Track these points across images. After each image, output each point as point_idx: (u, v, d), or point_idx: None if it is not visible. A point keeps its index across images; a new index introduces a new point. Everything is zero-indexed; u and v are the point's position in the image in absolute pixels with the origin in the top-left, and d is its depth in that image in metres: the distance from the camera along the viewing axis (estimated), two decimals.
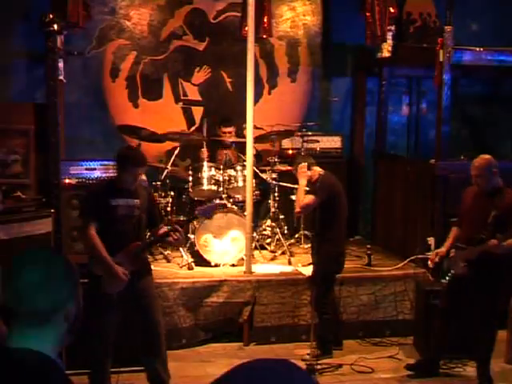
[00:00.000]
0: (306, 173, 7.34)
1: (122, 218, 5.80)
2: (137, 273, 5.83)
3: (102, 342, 5.85)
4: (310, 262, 7.67)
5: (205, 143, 9.17)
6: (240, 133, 9.46)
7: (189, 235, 8.49)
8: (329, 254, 7.27)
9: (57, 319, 2.13)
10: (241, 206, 8.71)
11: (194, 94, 10.34)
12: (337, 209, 7.27)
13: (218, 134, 9.40)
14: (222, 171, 8.75)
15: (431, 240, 8.18)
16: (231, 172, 8.80)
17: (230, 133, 9.37)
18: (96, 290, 5.71)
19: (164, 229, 6.04)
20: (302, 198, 7.25)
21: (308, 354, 7.12)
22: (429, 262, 6.90)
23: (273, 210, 9.21)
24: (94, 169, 8.76)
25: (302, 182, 7.35)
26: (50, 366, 2.04)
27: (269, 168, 9.20)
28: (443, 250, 6.79)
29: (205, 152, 9.06)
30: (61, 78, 8.54)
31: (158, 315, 5.98)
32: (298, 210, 7.42)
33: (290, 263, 8.43)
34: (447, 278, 6.70)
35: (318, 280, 7.27)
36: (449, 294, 6.79)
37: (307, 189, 7.29)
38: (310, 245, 8.97)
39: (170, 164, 8.84)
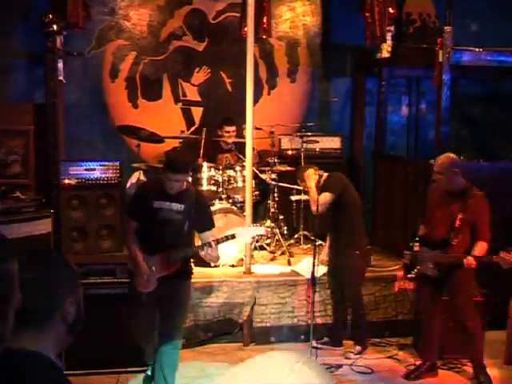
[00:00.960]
0: (314, 178, 7.43)
1: (162, 220, 5.83)
2: (171, 277, 5.85)
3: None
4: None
5: (201, 152, 9.13)
6: (240, 133, 9.45)
7: None
8: (357, 251, 7.40)
9: (55, 320, 2.12)
10: (240, 206, 8.70)
11: (193, 94, 10.34)
12: (352, 202, 7.42)
13: (220, 135, 9.36)
14: (221, 172, 8.75)
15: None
16: (231, 172, 8.80)
17: (232, 132, 9.32)
18: (130, 287, 6.01)
19: (199, 242, 6.05)
20: (316, 196, 7.27)
21: (351, 352, 7.48)
22: None
23: (272, 210, 9.20)
24: (94, 169, 8.77)
25: (311, 183, 7.40)
26: (49, 367, 2.04)
27: (268, 168, 9.19)
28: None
29: (201, 160, 8.98)
30: (60, 78, 8.55)
31: (171, 322, 5.91)
32: (313, 208, 7.31)
33: (289, 264, 8.43)
34: (413, 273, 6.81)
35: (353, 279, 7.45)
36: (421, 293, 6.92)
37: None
38: (309, 245, 9.00)
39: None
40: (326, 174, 7.51)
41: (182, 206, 5.84)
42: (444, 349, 7.08)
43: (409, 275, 6.89)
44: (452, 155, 6.65)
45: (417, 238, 6.81)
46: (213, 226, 6.11)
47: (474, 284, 6.94)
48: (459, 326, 6.78)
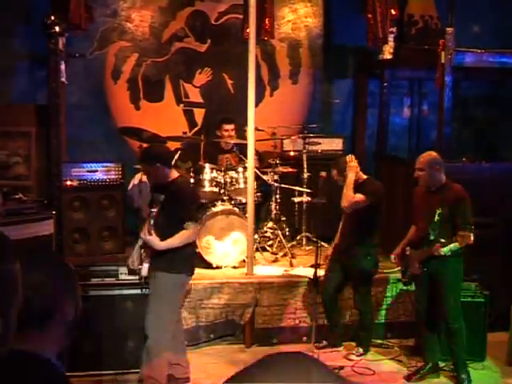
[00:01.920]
0: (356, 165, 7.36)
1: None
2: (152, 266, 6.08)
3: None
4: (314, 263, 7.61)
5: (202, 153, 9.15)
6: (241, 134, 9.45)
7: None
8: (371, 255, 7.43)
9: (55, 321, 2.12)
10: (242, 207, 8.70)
11: (195, 95, 10.34)
12: (379, 214, 7.52)
13: (219, 135, 9.36)
14: (223, 173, 8.75)
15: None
16: (233, 174, 8.79)
17: (232, 130, 9.29)
18: None
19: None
20: (351, 193, 7.23)
21: (353, 354, 7.50)
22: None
23: (274, 211, 9.21)
24: (96, 170, 8.78)
25: (351, 176, 7.32)
26: (49, 369, 2.04)
27: (270, 170, 9.19)
28: (398, 250, 7.00)
29: (202, 162, 8.99)
30: (62, 79, 8.56)
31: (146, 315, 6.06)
32: (346, 204, 7.26)
33: (291, 265, 8.43)
34: (406, 277, 6.88)
35: (363, 281, 7.47)
36: (416, 296, 6.99)
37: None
38: (311, 247, 9.00)
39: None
40: (364, 176, 7.47)
41: (163, 196, 6.04)
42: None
43: (403, 280, 6.99)
44: (433, 153, 6.77)
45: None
46: (181, 223, 5.96)
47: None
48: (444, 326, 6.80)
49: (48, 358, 2.05)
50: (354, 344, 7.61)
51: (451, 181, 6.65)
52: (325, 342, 7.58)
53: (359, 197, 7.21)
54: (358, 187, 7.29)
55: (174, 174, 6.14)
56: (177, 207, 6.01)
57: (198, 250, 8.32)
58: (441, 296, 6.68)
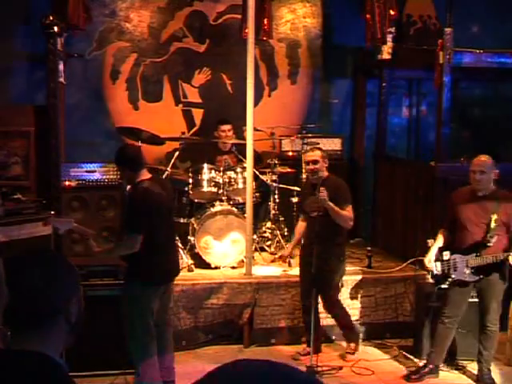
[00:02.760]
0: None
1: None
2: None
3: None
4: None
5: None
6: (240, 135, 9.46)
7: (189, 237, 8.51)
8: (340, 258, 7.28)
9: (58, 320, 2.14)
10: (241, 208, 8.70)
11: (194, 96, 10.35)
12: None
13: (217, 136, 9.37)
14: (222, 173, 8.75)
15: (431, 242, 8.18)
16: (231, 174, 8.79)
17: (229, 131, 9.31)
18: None
19: None
20: (342, 212, 6.99)
21: (299, 353, 7.46)
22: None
23: (273, 212, 9.21)
24: (94, 171, 8.78)
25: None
26: (52, 368, 2.05)
27: (269, 170, 9.20)
28: (430, 255, 6.82)
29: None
30: (61, 80, 8.56)
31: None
32: (351, 223, 7.12)
33: (289, 265, 8.42)
34: (447, 283, 6.70)
35: (330, 284, 7.26)
36: (451, 299, 6.79)
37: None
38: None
39: (170, 166, 8.82)
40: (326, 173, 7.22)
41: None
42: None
43: (442, 285, 6.75)
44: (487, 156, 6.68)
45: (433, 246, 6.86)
46: (127, 229, 5.95)
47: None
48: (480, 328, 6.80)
49: (52, 357, 2.07)
50: (344, 344, 7.65)
51: (498, 186, 6.65)
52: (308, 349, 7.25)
53: (350, 210, 7.06)
54: (334, 195, 6.99)
55: (142, 177, 5.97)
56: (125, 214, 6.02)
57: (195, 250, 8.36)
58: (486, 300, 6.69)
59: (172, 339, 6.46)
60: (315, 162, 7.06)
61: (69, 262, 2.26)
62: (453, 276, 6.62)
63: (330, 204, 6.80)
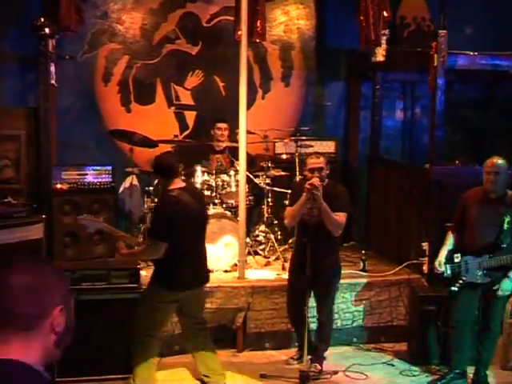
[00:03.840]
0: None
1: None
2: None
3: None
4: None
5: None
6: (233, 137, 9.46)
7: None
8: (339, 264, 7.23)
9: (43, 330, 2.09)
10: (234, 211, 8.69)
11: (186, 98, 10.33)
12: None
13: (213, 134, 9.38)
14: (214, 176, 8.74)
15: (426, 245, 8.19)
16: (224, 177, 8.79)
17: (225, 129, 9.35)
18: None
19: None
20: (335, 217, 6.79)
21: (292, 358, 7.37)
22: (424, 268, 6.90)
23: (266, 215, 9.20)
24: (86, 174, 8.77)
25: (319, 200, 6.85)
26: (37, 379, 2.01)
27: (262, 173, 9.19)
28: (441, 258, 6.77)
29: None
30: (52, 82, 8.54)
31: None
32: (340, 231, 6.96)
33: (283, 269, 8.41)
34: (458, 285, 6.66)
35: (331, 291, 7.16)
36: (459, 302, 6.77)
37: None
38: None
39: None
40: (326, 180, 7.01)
41: None
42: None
43: (453, 288, 6.68)
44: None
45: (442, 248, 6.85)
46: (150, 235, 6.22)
47: None
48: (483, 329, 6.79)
49: (36, 369, 2.02)
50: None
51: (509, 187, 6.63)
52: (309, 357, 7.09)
53: (343, 216, 6.86)
54: (331, 200, 6.79)
55: (174, 185, 6.09)
56: (151, 220, 6.25)
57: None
58: (493, 302, 6.67)
59: (208, 343, 6.65)
60: (320, 169, 6.82)
61: (59, 269, 2.22)
62: (464, 278, 6.57)
63: (323, 203, 6.64)
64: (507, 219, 6.38)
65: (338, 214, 6.78)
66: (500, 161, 6.56)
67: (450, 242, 6.82)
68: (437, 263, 6.79)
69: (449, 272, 6.66)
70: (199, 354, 6.50)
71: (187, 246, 6.10)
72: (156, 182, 8.33)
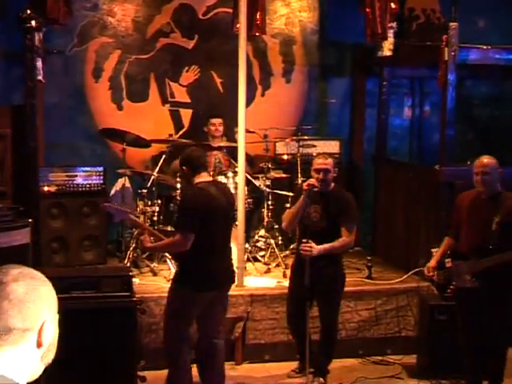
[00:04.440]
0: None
1: None
2: None
3: None
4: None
5: None
6: (231, 136, 9.45)
7: None
8: (342, 270, 7.17)
9: (29, 343, 2.06)
10: None
11: (182, 95, 10.33)
12: None
13: (207, 131, 9.39)
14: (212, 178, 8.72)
15: (435, 251, 8.17)
16: (222, 179, 8.77)
17: (219, 124, 9.41)
18: None
19: None
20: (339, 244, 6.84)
21: (294, 371, 7.34)
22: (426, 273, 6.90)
23: (266, 219, 9.19)
24: (76, 175, 8.77)
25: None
26: None
27: (262, 175, 9.18)
28: (433, 262, 6.78)
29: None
30: (39, 78, 8.51)
31: None
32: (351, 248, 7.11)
33: (284, 276, 8.39)
34: (449, 291, 6.68)
35: (334, 299, 7.13)
36: (461, 310, 6.74)
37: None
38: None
39: (156, 170, 8.81)
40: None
41: None
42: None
43: (445, 294, 6.70)
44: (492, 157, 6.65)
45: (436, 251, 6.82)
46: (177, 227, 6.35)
47: None
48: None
49: (16, 382, 2.00)
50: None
51: (504, 189, 6.59)
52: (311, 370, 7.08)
53: (348, 234, 6.83)
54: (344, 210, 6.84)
55: (201, 179, 6.20)
56: (177, 213, 6.34)
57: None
58: (492, 308, 6.64)
59: (222, 357, 6.58)
60: (327, 171, 6.77)
61: (46, 279, 2.19)
62: (454, 283, 6.60)
63: (321, 250, 6.62)
64: (496, 219, 6.37)
65: (349, 229, 6.79)
66: (488, 160, 6.55)
67: (444, 247, 6.85)
68: (425, 269, 6.83)
69: (441, 277, 6.71)
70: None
71: (217, 241, 6.20)
72: (178, 175, 8.48)
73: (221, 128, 9.42)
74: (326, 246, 6.66)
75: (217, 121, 9.42)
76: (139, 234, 6.55)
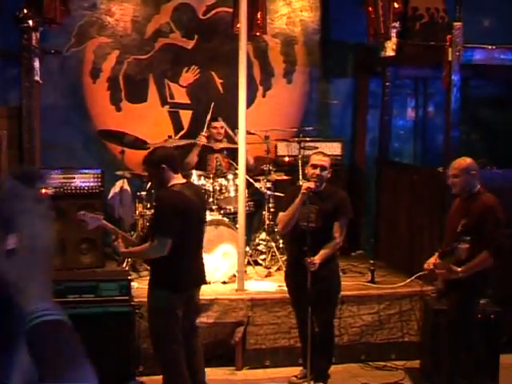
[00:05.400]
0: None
1: None
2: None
3: None
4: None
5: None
6: (232, 138, 9.44)
7: None
8: (338, 272, 7.19)
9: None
10: (233, 217, 8.67)
11: (181, 96, 10.32)
12: None
13: (208, 134, 9.38)
14: (212, 180, 8.73)
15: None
16: (222, 181, 8.78)
17: (221, 128, 9.36)
18: None
19: None
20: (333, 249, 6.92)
21: (295, 376, 7.28)
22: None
23: (267, 222, 9.18)
24: (73, 178, 8.76)
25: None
26: None
27: (263, 177, 9.18)
28: (431, 259, 6.79)
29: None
30: (36, 78, 8.53)
31: None
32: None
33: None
34: (433, 293, 6.82)
35: (334, 301, 7.14)
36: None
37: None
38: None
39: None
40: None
41: None
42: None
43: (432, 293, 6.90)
44: (469, 159, 6.66)
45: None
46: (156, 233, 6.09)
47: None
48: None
49: None
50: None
51: (484, 190, 6.59)
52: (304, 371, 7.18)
53: (340, 232, 6.90)
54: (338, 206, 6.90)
55: (175, 181, 6.16)
56: (154, 217, 6.25)
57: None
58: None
59: (201, 349, 6.61)
60: (323, 168, 6.82)
61: None
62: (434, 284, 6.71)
63: (320, 260, 6.66)
64: (462, 222, 6.38)
65: (337, 225, 6.83)
66: (459, 162, 6.61)
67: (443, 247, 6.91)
68: (425, 264, 6.86)
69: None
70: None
71: (193, 243, 6.20)
72: (148, 180, 8.40)
73: (222, 131, 9.39)
74: (322, 254, 6.70)
75: (218, 124, 9.38)
76: (113, 240, 6.47)
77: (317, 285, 6.71)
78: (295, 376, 7.36)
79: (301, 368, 7.36)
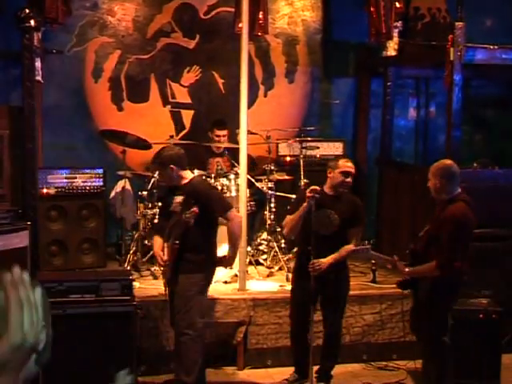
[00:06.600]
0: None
1: (174, 214, 6.51)
2: (174, 270, 6.45)
3: None
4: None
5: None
6: (233, 138, 9.43)
7: None
8: (347, 273, 7.16)
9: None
10: None
11: (183, 96, 10.33)
12: None
13: (211, 138, 9.35)
14: (213, 180, 8.72)
15: None
16: (224, 181, 8.76)
17: (224, 136, 9.28)
18: None
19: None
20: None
21: (286, 380, 7.20)
22: None
23: (269, 222, 9.18)
24: (75, 177, 8.75)
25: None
26: None
27: (264, 177, 9.17)
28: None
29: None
30: (38, 78, 8.53)
31: (175, 317, 6.58)
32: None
33: (287, 280, 8.38)
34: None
35: (339, 302, 7.10)
36: None
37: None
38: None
39: (157, 172, 8.80)
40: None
41: (181, 197, 6.43)
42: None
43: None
44: (448, 162, 6.40)
45: None
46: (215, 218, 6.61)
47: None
48: None
49: None
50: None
51: (462, 198, 6.23)
52: (295, 375, 7.17)
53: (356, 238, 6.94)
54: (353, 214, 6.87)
55: (189, 176, 6.55)
56: (204, 205, 6.33)
57: None
58: None
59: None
60: (352, 175, 6.83)
61: (37, 282, 2.18)
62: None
63: (330, 261, 6.69)
64: (426, 227, 6.36)
65: (354, 236, 6.85)
66: (433, 166, 6.38)
67: None
68: None
69: None
70: None
71: None
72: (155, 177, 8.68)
73: (225, 138, 9.30)
74: (335, 256, 6.70)
75: (222, 132, 9.25)
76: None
77: (328, 287, 6.74)
78: (286, 379, 7.23)
79: (292, 371, 7.30)
